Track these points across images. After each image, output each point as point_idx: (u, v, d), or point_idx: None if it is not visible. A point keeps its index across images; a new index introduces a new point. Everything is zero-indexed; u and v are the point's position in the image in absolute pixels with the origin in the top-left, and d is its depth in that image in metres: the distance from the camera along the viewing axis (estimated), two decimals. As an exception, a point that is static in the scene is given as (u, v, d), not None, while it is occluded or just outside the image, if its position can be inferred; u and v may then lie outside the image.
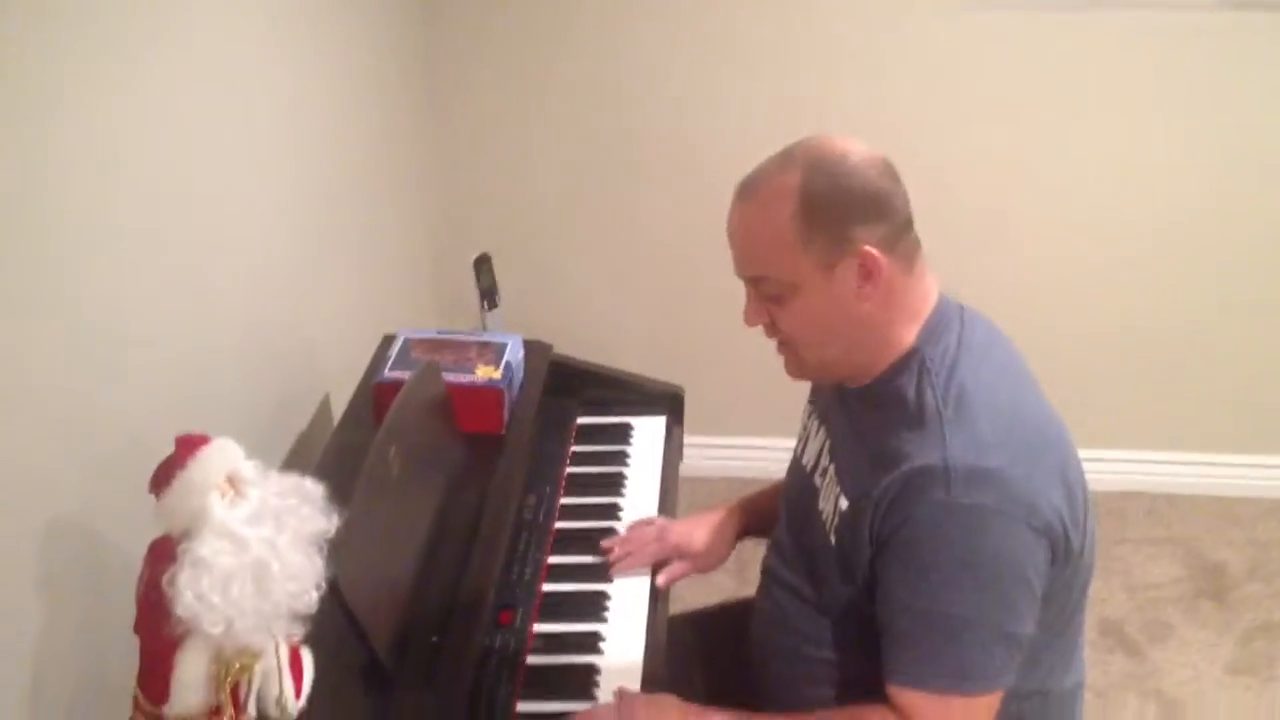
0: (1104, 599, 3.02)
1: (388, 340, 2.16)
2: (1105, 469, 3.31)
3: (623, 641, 1.73)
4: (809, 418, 1.79)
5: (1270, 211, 3.11)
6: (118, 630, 1.26)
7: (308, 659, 1.36)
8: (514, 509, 1.88)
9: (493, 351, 2.06)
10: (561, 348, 2.28)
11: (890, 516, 1.45)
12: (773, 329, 1.56)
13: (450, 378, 1.95)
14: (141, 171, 1.61)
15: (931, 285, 1.57)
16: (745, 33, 3.02)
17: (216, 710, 1.24)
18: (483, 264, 2.39)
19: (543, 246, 3.29)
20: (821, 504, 1.62)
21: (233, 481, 1.24)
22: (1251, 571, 3.15)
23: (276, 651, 1.29)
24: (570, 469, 2.09)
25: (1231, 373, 3.29)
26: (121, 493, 1.36)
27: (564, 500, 2.01)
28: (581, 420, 2.22)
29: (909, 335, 1.54)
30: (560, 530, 1.94)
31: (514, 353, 2.08)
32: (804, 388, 1.81)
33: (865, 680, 1.52)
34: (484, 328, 2.33)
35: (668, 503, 2.05)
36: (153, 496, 1.23)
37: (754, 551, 1.89)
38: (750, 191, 1.52)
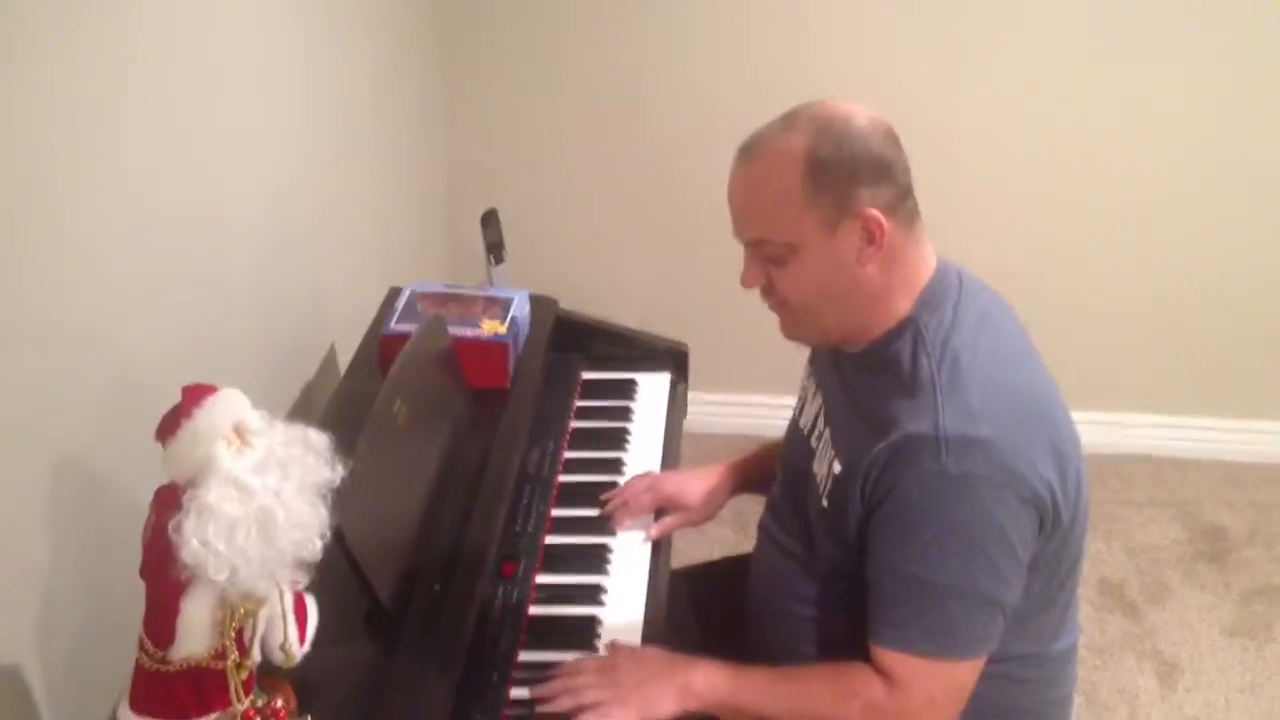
0: (1104, 559, 3.04)
1: (394, 293, 2.17)
2: (1110, 433, 3.32)
3: (624, 594, 1.75)
4: (807, 379, 1.79)
5: (1278, 176, 3.09)
6: (124, 575, 1.27)
7: (312, 606, 1.37)
8: (518, 462, 1.90)
9: (499, 306, 2.07)
10: (567, 303, 2.29)
11: (881, 482, 1.47)
12: (770, 291, 1.56)
13: (456, 331, 1.96)
14: (153, 118, 1.61)
15: (930, 252, 1.57)
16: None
17: (221, 654, 1.26)
18: (490, 219, 2.39)
19: (550, 202, 3.29)
20: (816, 466, 1.63)
21: (239, 431, 1.25)
22: (1251, 535, 3.16)
23: (281, 598, 1.31)
24: (574, 423, 2.10)
25: (1238, 338, 3.29)
26: (129, 440, 1.37)
27: (568, 454, 2.02)
28: (586, 375, 2.23)
29: (906, 302, 1.54)
30: (564, 484, 1.95)
31: (520, 307, 2.09)
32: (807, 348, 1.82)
33: (852, 641, 1.54)
34: (490, 282, 2.34)
35: (671, 458, 2.06)
36: (159, 445, 1.24)
37: (755, 507, 1.90)
38: (754, 153, 1.51)
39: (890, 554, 1.48)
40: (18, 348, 1.33)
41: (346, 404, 1.95)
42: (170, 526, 1.18)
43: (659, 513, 1.91)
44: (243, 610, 1.26)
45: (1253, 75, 2.99)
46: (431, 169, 3.18)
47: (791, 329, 1.61)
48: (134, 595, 1.26)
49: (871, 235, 1.48)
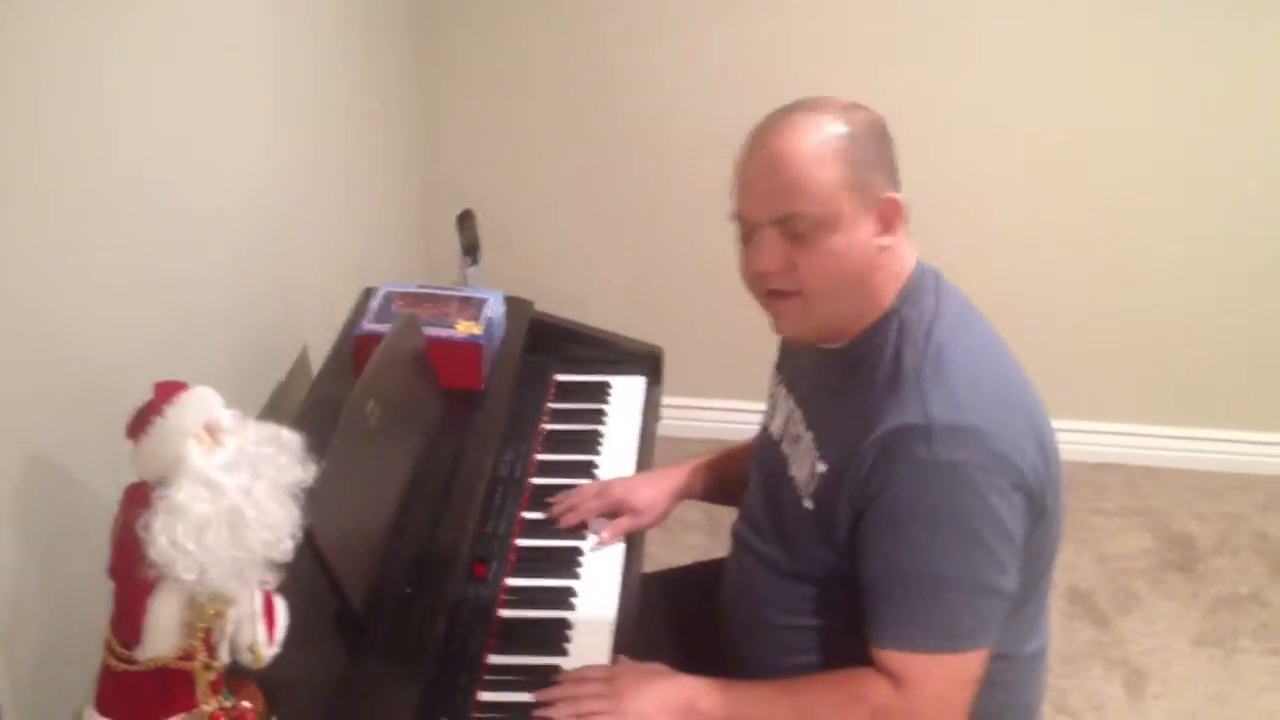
0: (1073, 568, 3.05)
1: (368, 293, 2.16)
2: (1082, 440, 3.34)
3: (595, 597, 1.74)
4: (776, 386, 1.79)
5: (1254, 185, 3.12)
6: (92, 574, 1.26)
7: (281, 607, 1.36)
8: (490, 464, 1.89)
9: (473, 307, 2.06)
10: (542, 305, 2.29)
11: (872, 478, 1.46)
12: (786, 276, 1.51)
13: (430, 332, 1.95)
14: (125, 118, 1.60)
15: (912, 250, 1.58)
16: (735, -5, 3.01)
17: (188, 655, 1.25)
18: (466, 220, 2.39)
19: (526, 204, 3.28)
20: (794, 471, 1.63)
21: (210, 430, 1.24)
22: (1220, 544, 3.18)
23: (250, 599, 1.30)
24: (547, 426, 2.10)
25: (1211, 348, 3.31)
26: (98, 437, 1.36)
27: (540, 457, 2.02)
28: (560, 378, 2.23)
29: (890, 295, 1.55)
30: (536, 486, 1.95)
31: (494, 309, 2.08)
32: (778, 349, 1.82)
33: (836, 649, 1.54)
34: (465, 283, 2.33)
35: (644, 462, 2.06)
36: (129, 442, 1.23)
37: (727, 512, 1.90)
38: (784, 128, 1.50)
39: (886, 552, 1.47)
40: (-14, 343, 1.31)
41: (319, 404, 1.94)
42: (139, 525, 1.17)
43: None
44: (212, 610, 1.25)
45: (1232, 89, 3.01)
46: (407, 169, 3.17)
47: (797, 321, 1.56)
48: (102, 595, 1.25)
49: (889, 223, 1.50)
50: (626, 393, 2.22)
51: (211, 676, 1.28)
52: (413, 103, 3.15)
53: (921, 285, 1.56)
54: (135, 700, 1.26)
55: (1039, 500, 1.48)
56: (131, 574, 1.19)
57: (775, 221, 1.50)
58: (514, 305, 2.19)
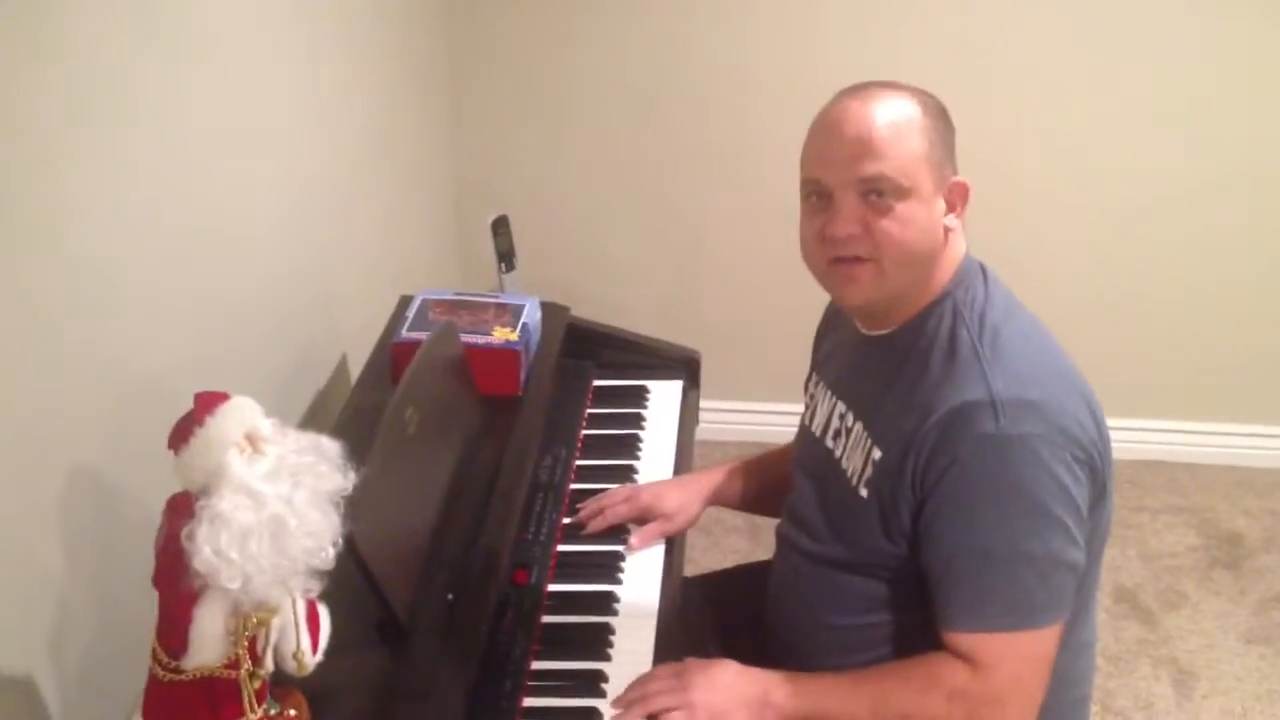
0: (1119, 566, 3.02)
1: (405, 301, 2.17)
2: (1125, 438, 3.30)
3: (637, 602, 1.73)
4: (815, 386, 1.78)
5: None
6: (137, 583, 1.27)
7: (324, 614, 1.36)
8: (530, 470, 1.89)
9: (510, 313, 2.06)
10: (579, 310, 2.29)
11: (935, 460, 1.46)
12: (863, 240, 1.51)
13: (467, 339, 1.95)
14: (164, 132, 1.61)
15: (964, 237, 1.60)
16: (766, -5, 3.01)
17: (234, 663, 1.25)
18: (500, 226, 2.38)
19: (561, 209, 3.29)
20: (845, 463, 1.62)
21: (251, 439, 1.24)
22: (1268, 541, 3.14)
23: (293, 607, 1.30)
24: (586, 431, 2.10)
25: (1254, 342, 3.28)
26: (141, 449, 1.37)
27: (580, 462, 2.02)
28: (598, 383, 2.23)
29: (944, 279, 1.57)
30: (576, 491, 1.94)
31: (531, 314, 2.08)
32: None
33: (889, 644, 1.53)
34: (501, 289, 2.33)
35: (683, 466, 2.06)
36: (171, 453, 1.24)
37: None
38: (872, 99, 1.53)
39: (956, 531, 1.46)
40: (29, 358, 1.32)
41: (358, 412, 1.95)
42: (183, 535, 1.18)
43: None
44: (255, 619, 1.25)
45: (1268, 74, 2.98)
46: (441, 176, 3.18)
47: (869, 287, 1.54)
48: (147, 605, 1.26)
49: (954, 204, 1.54)
50: (664, 397, 2.22)
51: (257, 685, 1.28)
52: (446, 110, 3.16)
53: (972, 272, 1.59)
54: (182, 710, 1.26)
55: (1100, 475, 1.49)
56: (176, 584, 1.20)
57: (858, 183, 1.51)
58: (550, 311, 2.19)
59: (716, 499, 1.96)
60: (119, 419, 1.48)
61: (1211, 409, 3.39)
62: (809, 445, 1.74)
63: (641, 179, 3.26)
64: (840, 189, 1.52)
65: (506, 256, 2.38)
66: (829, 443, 1.67)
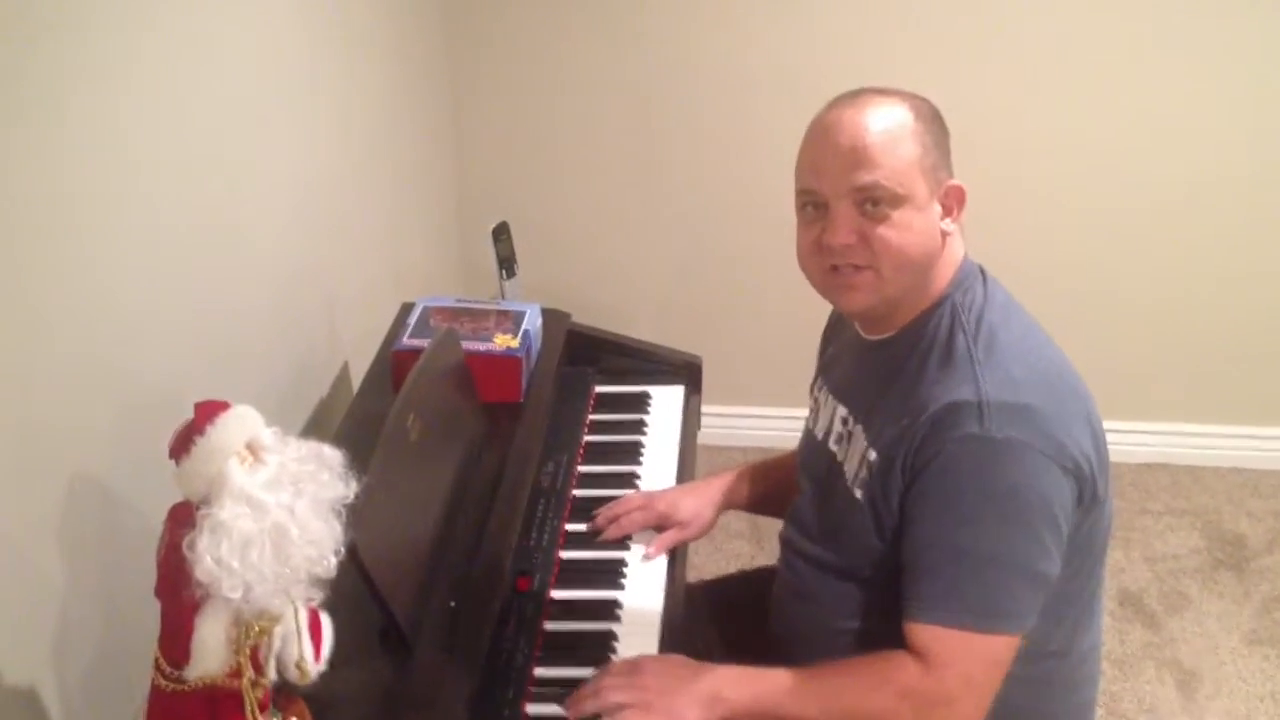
0: (1123, 569, 3.02)
1: (406, 308, 2.17)
2: (1128, 441, 3.30)
3: (640, 608, 1.73)
4: (819, 391, 1.79)
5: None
6: (138, 593, 1.27)
7: (327, 623, 1.36)
8: (532, 476, 1.89)
9: (511, 320, 2.06)
10: (579, 317, 2.28)
11: (923, 451, 1.46)
12: (860, 249, 1.52)
13: (468, 346, 1.95)
14: (164, 139, 1.61)
15: (962, 240, 1.60)
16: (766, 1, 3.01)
17: (236, 673, 1.25)
18: (501, 232, 2.38)
19: (561, 215, 3.29)
20: (845, 466, 1.63)
21: (252, 448, 1.24)
22: (1271, 543, 3.14)
23: (295, 615, 1.30)
24: (588, 437, 2.09)
25: (1255, 344, 3.27)
26: (142, 458, 1.37)
27: (582, 468, 2.01)
28: (599, 389, 2.23)
29: (943, 282, 1.57)
30: (578, 498, 1.94)
31: (532, 321, 2.08)
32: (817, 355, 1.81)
33: (885, 646, 1.53)
34: (502, 296, 2.33)
35: (685, 472, 2.05)
36: (172, 462, 1.24)
37: (772, 520, 1.89)
38: (864, 106, 1.53)
39: (929, 525, 1.47)
40: (30, 367, 1.32)
41: (360, 420, 1.95)
42: (184, 544, 1.18)
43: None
44: (257, 628, 1.25)
45: (1273, 70, 2.98)
46: (442, 184, 3.18)
47: (868, 293, 1.55)
48: (149, 615, 1.26)
49: (950, 209, 1.54)
50: (666, 402, 2.21)
51: (259, 694, 1.27)
52: (447, 117, 3.16)
53: (971, 275, 1.59)
54: (184, 719, 1.26)
55: (1089, 486, 1.48)
56: (178, 593, 1.20)
57: (853, 192, 1.51)
58: (551, 317, 2.19)
59: (731, 503, 1.96)
60: (120, 428, 1.48)
61: (1214, 411, 3.38)
62: (812, 449, 1.75)
63: (642, 185, 3.26)
64: (835, 198, 1.52)
65: (507, 263, 2.38)
66: (832, 446, 1.67)
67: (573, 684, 1.57)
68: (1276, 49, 2.96)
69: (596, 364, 2.27)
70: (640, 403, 2.20)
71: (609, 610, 1.72)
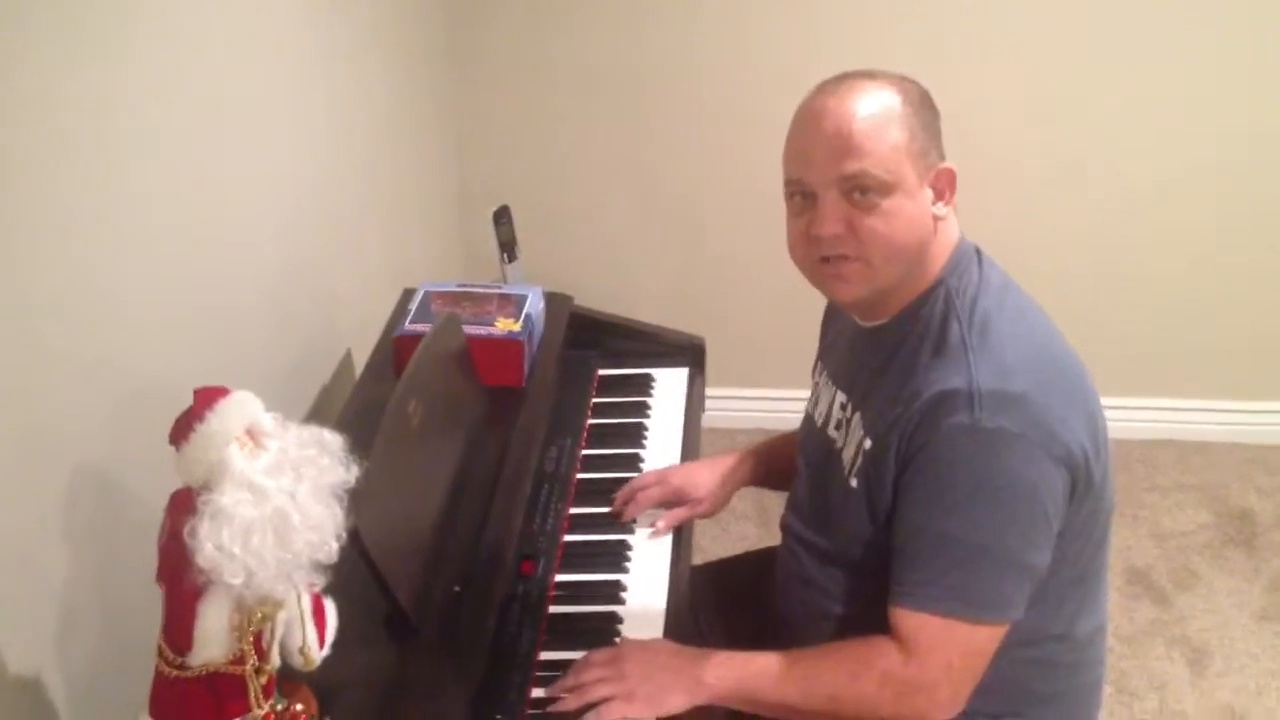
0: (1130, 546, 3.01)
1: (408, 294, 2.16)
2: (1136, 417, 3.30)
3: (644, 590, 1.73)
4: (819, 375, 1.78)
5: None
6: (141, 581, 1.26)
7: (330, 609, 1.36)
8: (535, 460, 1.89)
9: (513, 304, 2.06)
10: (582, 300, 2.28)
11: (915, 439, 1.45)
12: (848, 239, 1.49)
13: (470, 330, 1.94)
14: (162, 125, 1.60)
15: (956, 222, 1.58)
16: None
17: (239, 659, 1.25)
18: (502, 216, 2.37)
19: (562, 198, 3.28)
20: (843, 455, 1.62)
21: (252, 433, 1.24)
22: (1279, 518, 3.13)
23: (298, 601, 1.29)
24: (591, 420, 2.09)
25: (1262, 320, 3.26)
26: (143, 445, 1.36)
27: (585, 451, 2.01)
28: (602, 372, 2.22)
29: (938, 266, 1.54)
30: (582, 481, 1.94)
31: (534, 305, 2.08)
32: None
33: (882, 630, 1.52)
34: (504, 280, 2.32)
35: (690, 454, 2.05)
36: (173, 449, 1.23)
37: (778, 502, 1.88)
38: (847, 93, 1.49)
39: (918, 511, 1.46)
40: (29, 353, 1.32)
41: (362, 407, 1.94)
42: (185, 531, 1.17)
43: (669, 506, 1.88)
44: (260, 614, 1.24)
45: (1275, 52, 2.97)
46: (442, 168, 3.17)
47: (858, 284, 1.53)
48: (151, 602, 1.26)
49: (942, 191, 1.51)
50: (670, 385, 2.21)
51: (263, 680, 1.27)
52: (446, 100, 3.15)
53: (966, 257, 1.56)
54: (188, 706, 1.26)
55: (1083, 474, 1.46)
56: (179, 580, 1.20)
57: (840, 181, 1.48)
58: (553, 301, 2.19)
59: (744, 480, 1.95)
60: (120, 415, 1.48)
61: (1222, 387, 3.37)
62: (811, 434, 1.74)
63: (643, 167, 3.25)
64: (823, 188, 1.49)
65: (508, 247, 2.37)
66: (831, 433, 1.66)
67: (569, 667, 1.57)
68: (1278, 30, 2.94)
69: (599, 347, 2.27)
70: (644, 385, 2.20)
71: (614, 593, 1.72)
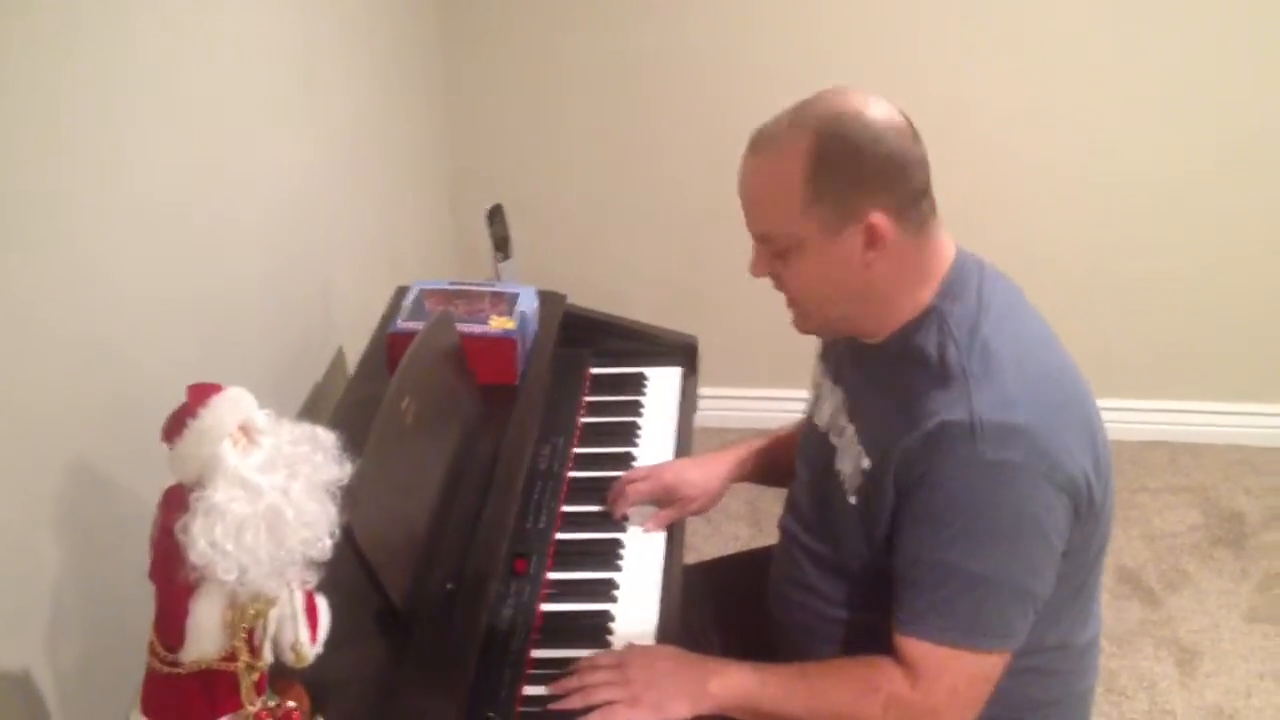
0: (1121, 547, 3.02)
1: (401, 291, 2.16)
2: (1127, 419, 3.30)
3: (637, 589, 1.73)
4: (821, 376, 1.77)
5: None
6: (133, 578, 1.26)
7: (323, 605, 1.36)
8: (528, 458, 1.89)
9: (506, 302, 2.06)
10: (575, 298, 2.28)
11: (914, 468, 1.44)
12: (779, 284, 1.55)
13: (464, 328, 1.94)
14: (157, 122, 1.60)
15: (947, 244, 1.54)
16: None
17: (232, 656, 1.25)
18: (495, 214, 2.37)
19: (556, 197, 3.28)
20: (839, 464, 1.61)
21: (245, 430, 1.24)
22: (1269, 520, 3.14)
23: (291, 598, 1.30)
24: (584, 419, 2.09)
25: (1253, 322, 3.27)
26: (137, 442, 1.36)
27: (578, 450, 2.01)
28: (595, 370, 2.22)
29: (925, 294, 1.51)
30: (574, 479, 1.94)
31: (527, 303, 2.08)
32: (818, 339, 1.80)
33: (881, 640, 1.53)
34: (497, 278, 2.32)
35: (683, 453, 2.05)
36: (166, 445, 1.23)
37: (770, 502, 1.88)
38: (760, 147, 1.49)
39: (921, 541, 1.45)
40: (22, 351, 1.32)
41: (355, 404, 1.94)
42: (178, 527, 1.17)
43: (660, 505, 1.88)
44: (253, 611, 1.25)
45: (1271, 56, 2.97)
46: (436, 166, 3.17)
47: (800, 322, 1.59)
48: (144, 598, 1.25)
49: (873, 241, 1.45)
50: (663, 384, 2.21)
51: (255, 677, 1.27)
52: (440, 99, 3.15)
53: (963, 279, 1.52)
54: (180, 702, 1.26)
55: (1085, 499, 1.45)
56: (172, 576, 1.20)
57: (756, 236, 1.52)
58: (547, 299, 2.19)
59: (739, 476, 1.95)
60: (113, 412, 1.48)
61: (1212, 388, 3.38)
62: (812, 438, 1.73)
63: (637, 166, 3.25)
64: (752, 236, 1.53)
65: (502, 245, 2.37)
66: (832, 439, 1.66)
67: (570, 665, 1.57)
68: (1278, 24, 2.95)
69: (592, 345, 2.27)
70: (637, 384, 2.20)
71: (606, 591, 1.72)
